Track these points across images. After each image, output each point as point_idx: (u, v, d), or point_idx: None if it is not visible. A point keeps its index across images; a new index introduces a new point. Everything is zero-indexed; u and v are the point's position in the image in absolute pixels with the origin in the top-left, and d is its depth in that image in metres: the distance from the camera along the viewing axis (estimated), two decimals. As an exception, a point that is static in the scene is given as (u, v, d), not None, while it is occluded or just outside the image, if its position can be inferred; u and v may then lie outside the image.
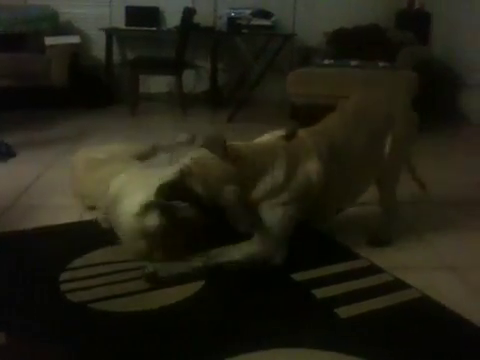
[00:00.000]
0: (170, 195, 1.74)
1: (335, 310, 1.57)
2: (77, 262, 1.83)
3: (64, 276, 1.74)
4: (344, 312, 1.56)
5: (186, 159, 1.76)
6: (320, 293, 1.66)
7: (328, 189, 1.86)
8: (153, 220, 1.78)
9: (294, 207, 1.80)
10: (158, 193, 1.74)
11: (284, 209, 1.78)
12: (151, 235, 1.78)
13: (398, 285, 1.73)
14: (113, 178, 2.08)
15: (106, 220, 2.07)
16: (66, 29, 5.64)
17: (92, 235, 2.07)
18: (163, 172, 1.90)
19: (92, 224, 2.15)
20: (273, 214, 1.78)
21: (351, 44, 5.13)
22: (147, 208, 1.78)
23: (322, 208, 1.95)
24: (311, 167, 1.82)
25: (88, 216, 2.25)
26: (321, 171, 1.83)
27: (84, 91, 5.28)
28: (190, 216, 1.79)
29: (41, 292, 1.66)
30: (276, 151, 1.81)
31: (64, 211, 2.32)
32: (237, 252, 1.77)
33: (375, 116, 2.07)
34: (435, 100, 5.22)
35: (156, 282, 1.67)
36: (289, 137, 1.90)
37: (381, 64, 4.67)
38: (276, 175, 1.76)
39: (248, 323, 1.51)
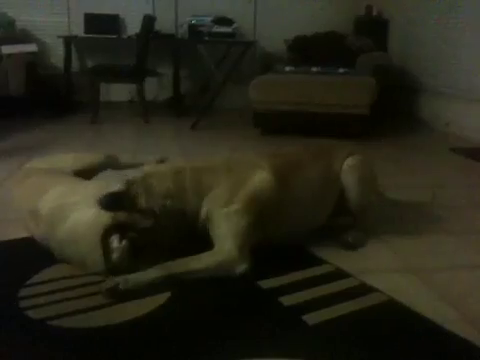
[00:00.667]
0: (117, 205, 1.76)
1: (303, 317, 1.56)
2: (36, 278, 1.77)
3: (23, 292, 1.67)
4: (312, 319, 1.55)
5: (138, 171, 1.84)
6: (287, 300, 1.65)
7: (283, 206, 1.95)
8: (116, 241, 1.74)
9: (248, 215, 1.84)
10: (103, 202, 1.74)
11: (237, 217, 1.82)
12: (118, 255, 1.74)
13: (364, 289, 1.74)
14: (39, 191, 1.98)
15: (44, 237, 1.93)
16: (23, 37, 5.52)
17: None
18: (105, 184, 1.89)
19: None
20: (226, 223, 1.81)
21: (311, 51, 5.20)
22: (109, 231, 1.74)
23: (278, 227, 1.98)
24: (260, 176, 1.91)
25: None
26: (271, 180, 1.92)
27: (43, 100, 5.17)
28: (149, 226, 1.77)
29: (-1, 310, 1.59)
30: (217, 167, 1.91)
31: (21, 225, 2.23)
32: (198, 263, 1.74)
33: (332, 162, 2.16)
34: (394, 105, 5.35)
35: (117, 296, 1.62)
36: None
37: (341, 70, 4.74)
38: (219, 189, 1.84)
39: (215, 334, 1.48)
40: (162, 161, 2.98)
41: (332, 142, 2.47)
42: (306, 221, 2.09)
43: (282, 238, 2.01)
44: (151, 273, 1.69)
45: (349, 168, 2.14)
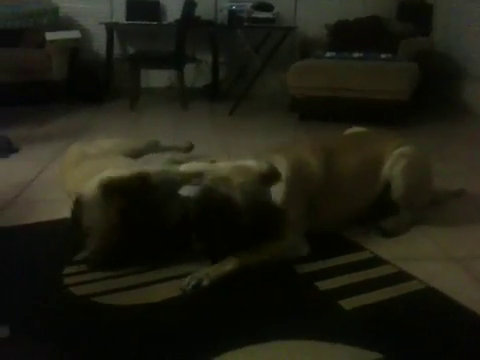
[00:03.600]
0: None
1: (339, 302, 1.56)
2: (80, 256, 1.82)
3: (68, 270, 1.74)
4: (348, 304, 1.55)
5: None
6: (324, 285, 1.66)
7: (327, 193, 1.95)
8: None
9: (303, 200, 1.87)
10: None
11: (296, 204, 1.84)
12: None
13: (402, 276, 1.73)
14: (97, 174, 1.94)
15: None
16: (66, 24, 5.63)
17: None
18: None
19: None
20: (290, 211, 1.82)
21: (352, 36, 5.11)
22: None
23: (325, 214, 1.98)
24: (310, 162, 1.94)
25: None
26: (317, 165, 1.93)
27: (84, 86, 5.28)
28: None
29: (45, 286, 1.66)
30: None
31: (66, 205, 2.31)
32: (267, 252, 1.75)
33: (372, 149, 2.15)
34: (436, 92, 5.21)
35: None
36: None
37: (383, 56, 4.65)
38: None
39: (252, 316, 1.50)
40: (191, 147, 3.02)
41: (377, 129, 2.45)
42: (350, 209, 2.08)
43: (327, 227, 2.01)
44: (227, 265, 1.67)
45: (397, 157, 2.10)
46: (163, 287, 1.64)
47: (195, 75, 5.98)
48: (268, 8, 5.42)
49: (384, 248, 1.94)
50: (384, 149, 2.14)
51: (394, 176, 2.09)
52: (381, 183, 2.11)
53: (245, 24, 5.22)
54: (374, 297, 1.59)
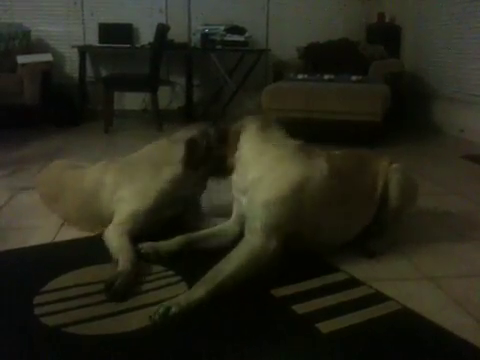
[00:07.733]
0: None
1: (316, 325, 1.55)
2: (51, 284, 1.78)
3: (38, 299, 1.69)
4: (325, 327, 1.54)
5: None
6: (300, 308, 1.64)
7: (324, 209, 1.90)
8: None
9: (290, 205, 1.82)
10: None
11: (276, 207, 1.79)
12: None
13: (379, 297, 1.73)
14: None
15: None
16: (38, 47, 5.60)
17: (66, 256, 2.03)
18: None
19: (65, 245, 2.13)
20: (263, 213, 1.79)
21: (323, 58, 5.20)
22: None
23: (317, 233, 1.95)
24: (317, 164, 1.91)
25: (62, 236, 2.22)
26: (325, 171, 1.89)
27: (57, 109, 5.22)
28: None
29: (14, 316, 1.60)
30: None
31: (37, 232, 2.27)
32: (231, 262, 1.70)
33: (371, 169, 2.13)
34: (406, 112, 5.32)
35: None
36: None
37: (354, 78, 4.74)
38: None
39: (227, 341, 1.48)
40: None
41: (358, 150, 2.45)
42: (346, 230, 2.06)
43: (318, 246, 2.00)
44: (198, 291, 1.62)
45: (394, 173, 2.11)
46: (135, 315, 1.59)
47: (170, 97, 5.99)
48: (240, 31, 5.49)
49: (360, 269, 1.94)
50: (379, 166, 2.14)
51: (391, 194, 2.08)
52: (378, 200, 2.10)
53: (218, 47, 5.27)
54: (351, 319, 1.58)
